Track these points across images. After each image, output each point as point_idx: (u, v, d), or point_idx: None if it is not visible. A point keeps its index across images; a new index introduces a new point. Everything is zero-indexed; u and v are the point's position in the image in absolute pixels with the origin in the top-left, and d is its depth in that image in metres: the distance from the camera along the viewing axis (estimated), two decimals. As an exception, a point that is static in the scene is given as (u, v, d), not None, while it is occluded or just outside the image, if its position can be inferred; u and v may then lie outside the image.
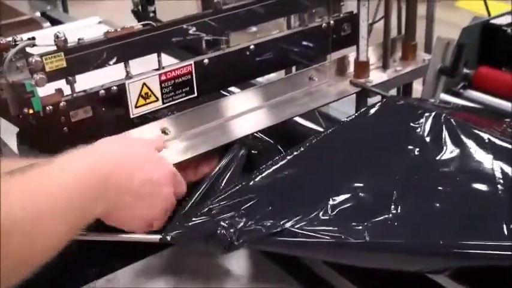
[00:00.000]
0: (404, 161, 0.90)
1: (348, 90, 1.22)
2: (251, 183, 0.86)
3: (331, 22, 1.31)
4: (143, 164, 0.81)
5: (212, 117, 1.11)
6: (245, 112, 1.15)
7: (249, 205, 0.82)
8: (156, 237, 0.82)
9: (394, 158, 0.91)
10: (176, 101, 1.05)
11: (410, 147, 0.93)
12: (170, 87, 1.04)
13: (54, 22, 2.00)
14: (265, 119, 1.13)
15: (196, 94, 1.08)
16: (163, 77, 1.03)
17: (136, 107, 1.01)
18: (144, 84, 1.01)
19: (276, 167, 0.88)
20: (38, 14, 2.06)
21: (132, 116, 1.01)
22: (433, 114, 0.99)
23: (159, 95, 1.03)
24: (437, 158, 0.91)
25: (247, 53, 1.21)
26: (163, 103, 1.04)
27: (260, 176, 0.87)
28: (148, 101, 1.02)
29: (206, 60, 1.15)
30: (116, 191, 0.75)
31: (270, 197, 0.84)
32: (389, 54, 1.29)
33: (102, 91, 1.03)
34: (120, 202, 0.76)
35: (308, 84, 1.23)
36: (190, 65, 1.05)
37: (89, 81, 1.03)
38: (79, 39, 1.02)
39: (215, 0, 1.15)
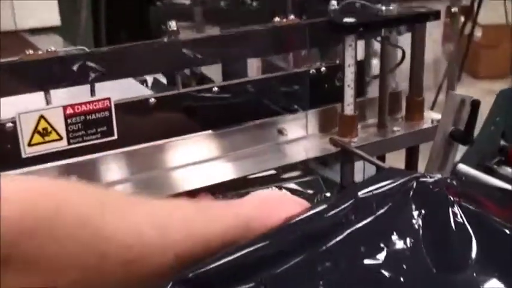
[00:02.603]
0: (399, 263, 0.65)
1: (325, 150, 0.98)
2: None
3: (323, 69, 1.09)
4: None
5: (150, 164, 0.93)
6: (193, 163, 0.95)
7: None
8: None
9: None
10: (88, 143, 0.85)
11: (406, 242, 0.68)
12: (79, 125, 0.84)
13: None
14: (214, 174, 0.93)
15: (116, 136, 0.87)
16: (69, 111, 0.83)
17: (30, 145, 0.81)
18: (42, 117, 0.81)
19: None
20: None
21: (24, 156, 0.81)
22: (438, 195, 0.73)
23: (63, 132, 0.83)
24: (441, 257, 0.67)
25: (209, 96, 1.01)
26: (70, 143, 0.84)
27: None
28: (47, 138, 0.82)
29: (152, 100, 0.96)
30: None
31: None
32: (386, 110, 1.05)
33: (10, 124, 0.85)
34: None
35: (275, 138, 1.00)
36: (108, 99, 0.85)
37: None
38: (-14, 62, 0.86)
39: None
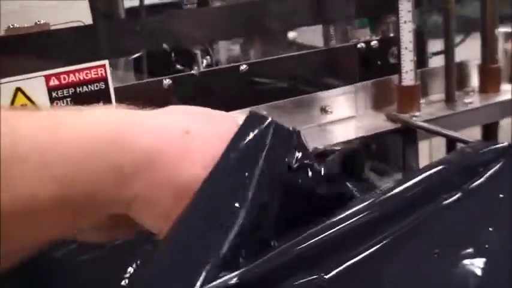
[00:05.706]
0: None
1: (379, 127, 0.79)
2: None
3: (373, 42, 0.90)
4: None
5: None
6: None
7: None
8: None
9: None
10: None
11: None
12: (68, 100, 0.67)
13: None
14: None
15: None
16: (53, 82, 0.66)
17: (5, 124, 0.64)
18: (19, 90, 0.64)
19: None
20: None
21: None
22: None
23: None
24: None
25: (237, 74, 0.83)
26: (57, 123, 0.67)
27: None
28: (27, 117, 0.65)
29: (167, 81, 0.79)
30: None
31: None
32: (454, 80, 0.85)
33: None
34: None
35: (318, 118, 0.81)
36: (103, 66, 0.68)
37: None
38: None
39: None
